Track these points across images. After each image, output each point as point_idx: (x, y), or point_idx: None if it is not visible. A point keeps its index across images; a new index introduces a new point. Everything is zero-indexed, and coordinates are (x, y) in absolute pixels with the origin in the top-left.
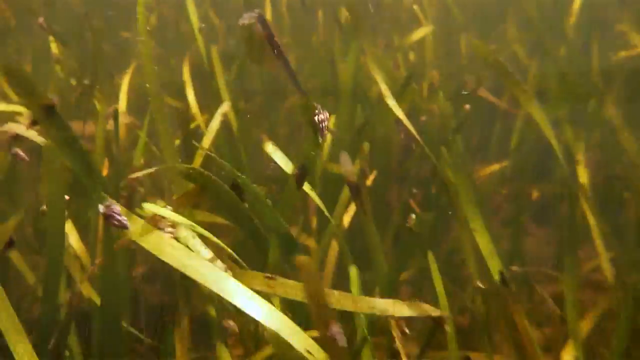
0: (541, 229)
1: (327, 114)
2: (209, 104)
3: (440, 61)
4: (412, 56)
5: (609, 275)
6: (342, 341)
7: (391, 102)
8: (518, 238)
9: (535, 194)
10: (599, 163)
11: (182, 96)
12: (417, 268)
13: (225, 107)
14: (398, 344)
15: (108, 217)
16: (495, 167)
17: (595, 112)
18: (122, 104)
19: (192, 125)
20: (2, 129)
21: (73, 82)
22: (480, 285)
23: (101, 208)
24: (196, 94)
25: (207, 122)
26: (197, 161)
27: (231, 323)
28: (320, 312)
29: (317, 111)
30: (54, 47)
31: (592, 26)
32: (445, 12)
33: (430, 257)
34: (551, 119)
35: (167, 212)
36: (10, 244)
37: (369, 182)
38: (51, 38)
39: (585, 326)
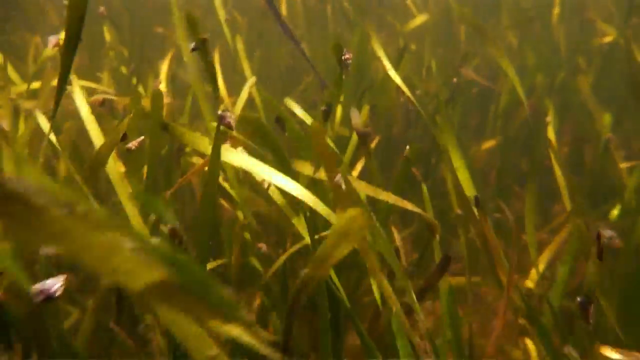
0: None
1: (351, 54)
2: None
3: (439, 50)
4: (413, 46)
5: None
6: (343, 184)
7: (392, 73)
8: (506, 199)
9: (524, 165)
10: (573, 131)
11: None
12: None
13: (252, 81)
14: (397, 243)
15: (222, 117)
16: (490, 143)
17: (566, 83)
18: (163, 85)
19: (221, 108)
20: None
21: (124, 69)
22: (459, 212)
23: (220, 112)
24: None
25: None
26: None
27: (263, 246)
28: (327, 159)
29: (344, 51)
30: (107, 36)
31: (572, 15)
32: (445, 5)
33: (424, 186)
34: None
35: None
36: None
37: (372, 144)
38: (105, 28)
39: (549, 253)
